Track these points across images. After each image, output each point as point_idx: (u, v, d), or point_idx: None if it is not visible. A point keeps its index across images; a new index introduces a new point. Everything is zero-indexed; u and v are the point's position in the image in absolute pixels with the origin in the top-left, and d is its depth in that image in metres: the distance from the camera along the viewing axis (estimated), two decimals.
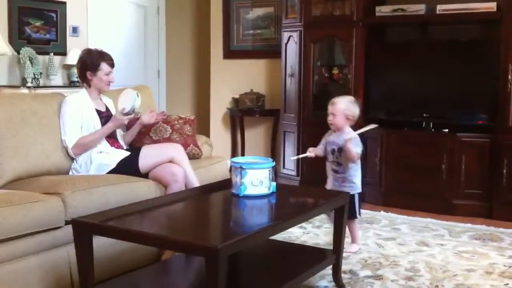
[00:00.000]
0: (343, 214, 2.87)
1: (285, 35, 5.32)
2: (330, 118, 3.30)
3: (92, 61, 3.42)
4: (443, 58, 4.67)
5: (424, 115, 4.69)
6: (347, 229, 3.18)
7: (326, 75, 5.17)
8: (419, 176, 4.58)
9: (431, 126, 4.65)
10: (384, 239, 3.77)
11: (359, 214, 3.38)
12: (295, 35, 5.19)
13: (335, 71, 5.12)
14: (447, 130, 4.54)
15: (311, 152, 3.34)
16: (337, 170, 3.26)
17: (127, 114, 3.40)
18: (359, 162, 3.29)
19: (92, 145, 3.32)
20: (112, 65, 3.47)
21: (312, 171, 4.88)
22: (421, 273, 3.14)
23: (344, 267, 3.09)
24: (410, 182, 4.62)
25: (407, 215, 4.37)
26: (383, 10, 4.79)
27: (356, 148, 3.21)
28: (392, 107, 4.93)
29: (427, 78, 4.72)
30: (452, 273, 3.15)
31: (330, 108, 3.30)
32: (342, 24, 4.94)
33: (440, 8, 4.54)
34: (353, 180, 3.31)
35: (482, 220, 4.26)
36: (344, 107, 3.26)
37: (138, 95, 3.46)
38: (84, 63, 3.46)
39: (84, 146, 3.30)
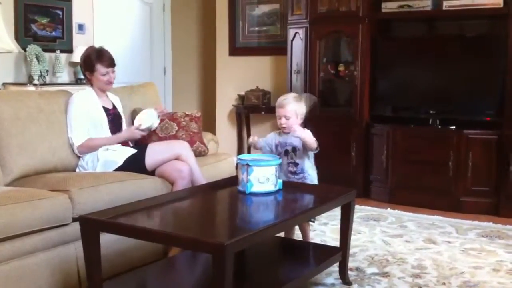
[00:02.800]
0: (350, 211, 2.87)
1: (291, 32, 5.31)
2: (282, 121, 3.12)
3: (88, 62, 3.42)
4: (450, 54, 4.65)
5: (431, 111, 4.67)
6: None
7: (332, 71, 5.16)
8: (426, 173, 4.57)
9: (438, 122, 4.63)
10: (391, 236, 3.76)
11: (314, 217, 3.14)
12: (301, 32, 5.18)
13: (341, 67, 5.10)
14: (453, 126, 4.52)
15: (254, 139, 3.18)
16: (295, 171, 3.13)
17: (142, 130, 3.48)
18: (312, 159, 3.16)
19: (98, 148, 3.34)
20: (109, 65, 3.43)
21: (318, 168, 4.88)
22: (428, 271, 3.13)
23: (350, 264, 3.09)
24: (416, 179, 4.61)
25: (414, 212, 4.36)
26: (389, 6, 4.78)
27: (310, 136, 3.06)
28: (398, 103, 4.92)
29: (433, 74, 4.71)
30: (459, 270, 3.14)
31: (281, 111, 3.12)
32: (348, 20, 4.92)
33: (447, 3, 4.52)
34: (313, 181, 3.17)
35: (489, 217, 4.25)
36: (295, 108, 3.10)
37: (158, 117, 3.56)
38: (82, 64, 3.50)
39: (91, 148, 3.32)
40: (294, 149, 3.12)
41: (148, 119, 3.52)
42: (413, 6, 4.66)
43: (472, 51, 4.55)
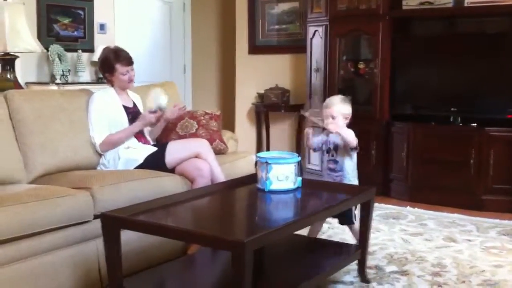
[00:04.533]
0: (370, 209, 2.86)
1: (311, 30, 5.30)
2: (329, 121, 3.14)
3: (107, 63, 3.45)
4: (471, 51, 4.60)
5: (452, 109, 4.64)
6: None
7: (352, 69, 5.14)
8: (447, 171, 4.53)
9: (459, 120, 4.59)
10: (411, 234, 3.74)
11: (355, 218, 3.14)
12: (321, 30, 5.17)
13: (361, 65, 5.08)
14: (475, 124, 4.47)
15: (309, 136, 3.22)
16: (334, 169, 3.17)
17: (154, 112, 3.45)
18: (355, 159, 3.18)
19: (120, 142, 3.36)
20: (128, 63, 3.45)
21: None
22: (447, 269, 3.11)
23: (370, 262, 3.08)
24: (437, 177, 4.57)
25: (434, 210, 4.33)
26: (410, 3, 4.74)
27: (351, 134, 3.11)
28: (419, 101, 4.88)
29: (454, 72, 4.67)
30: (479, 268, 3.11)
31: (327, 111, 3.15)
32: (368, 18, 4.90)
33: (468, 0, 4.48)
34: (351, 180, 3.18)
35: (510, 215, 4.20)
36: (342, 108, 3.14)
37: (164, 93, 3.50)
38: (101, 66, 3.53)
39: (112, 144, 3.35)
40: (336, 147, 3.16)
41: (154, 98, 3.46)
42: (434, 3, 4.62)
43: (493, 49, 4.50)
